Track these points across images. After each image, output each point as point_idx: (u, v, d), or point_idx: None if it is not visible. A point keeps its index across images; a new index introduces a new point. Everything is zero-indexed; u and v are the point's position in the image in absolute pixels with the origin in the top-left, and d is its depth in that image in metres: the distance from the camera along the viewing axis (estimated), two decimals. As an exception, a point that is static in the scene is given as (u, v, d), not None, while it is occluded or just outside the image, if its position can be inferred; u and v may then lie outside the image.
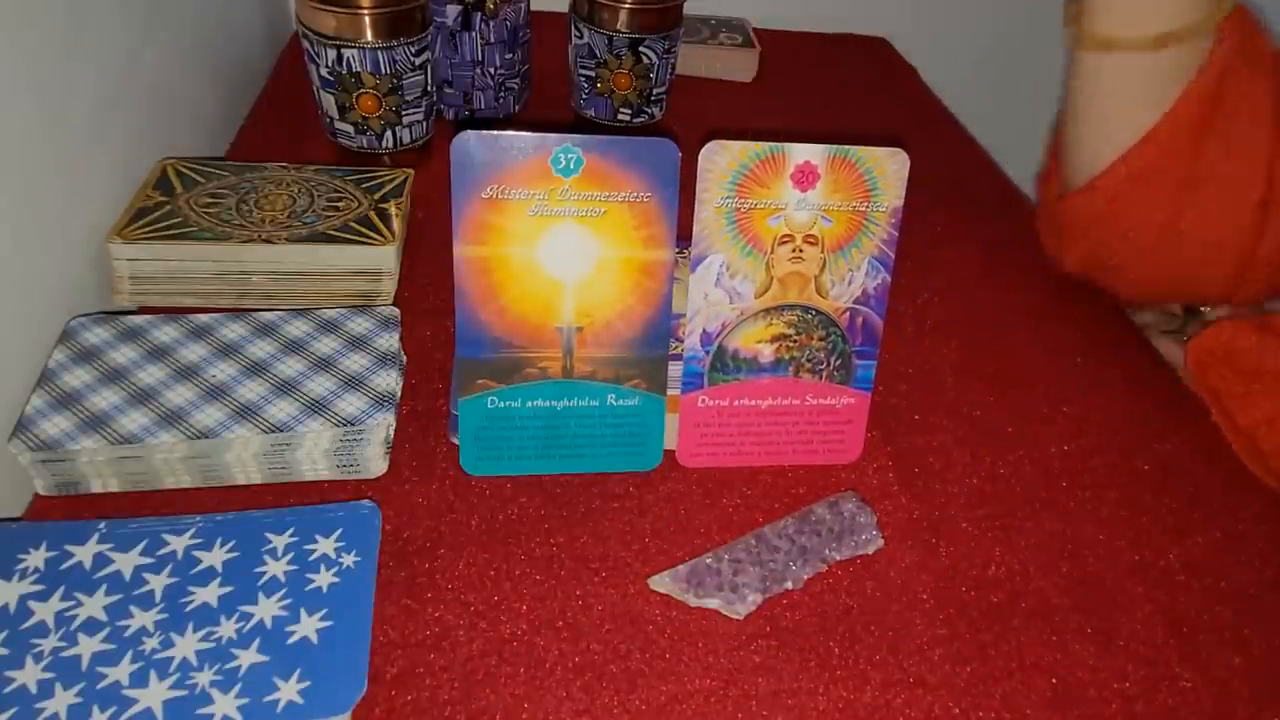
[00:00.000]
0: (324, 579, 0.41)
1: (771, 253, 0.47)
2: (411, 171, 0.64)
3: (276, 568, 0.42)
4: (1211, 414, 0.57)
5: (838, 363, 0.50)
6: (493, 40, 0.74)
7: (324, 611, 0.40)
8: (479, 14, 0.72)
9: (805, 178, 0.45)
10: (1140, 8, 0.55)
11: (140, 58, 0.62)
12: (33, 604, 0.39)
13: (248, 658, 0.38)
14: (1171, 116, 0.55)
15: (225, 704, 0.36)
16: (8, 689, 0.36)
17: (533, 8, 0.77)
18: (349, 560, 0.42)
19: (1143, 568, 0.49)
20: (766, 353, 0.49)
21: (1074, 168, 0.61)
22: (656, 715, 0.40)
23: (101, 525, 0.42)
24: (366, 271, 0.57)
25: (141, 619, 0.39)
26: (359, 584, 0.41)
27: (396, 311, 0.54)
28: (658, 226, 0.46)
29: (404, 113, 0.68)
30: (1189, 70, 0.55)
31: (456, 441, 0.49)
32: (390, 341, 0.52)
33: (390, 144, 0.70)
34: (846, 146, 0.45)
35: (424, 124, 0.71)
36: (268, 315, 0.52)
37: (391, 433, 0.49)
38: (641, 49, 0.75)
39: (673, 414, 0.50)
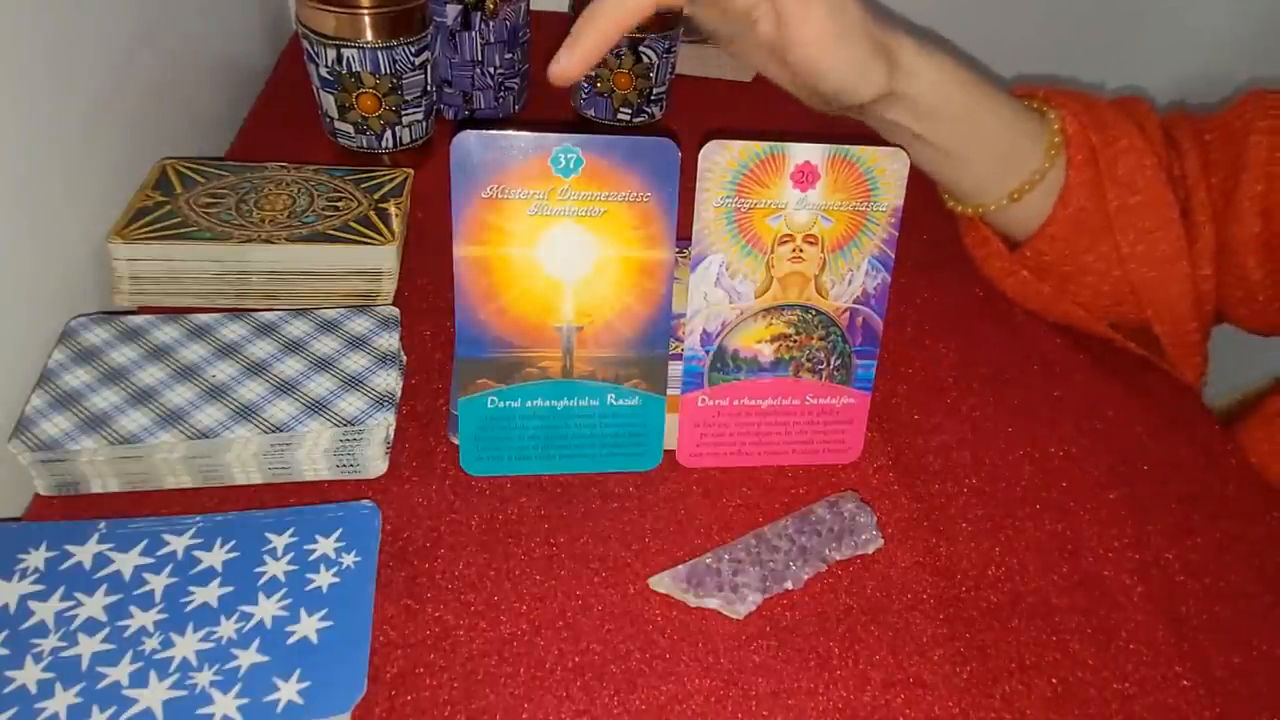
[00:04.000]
0: (324, 579, 0.41)
1: (771, 252, 0.47)
2: (411, 171, 0.64)
3: (276, 568, 0.42)
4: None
5: (838, 363, 0.50)
6: (492, 40, 0.74)
7: (324, 611, 0.40)
8: (479, 14, 0.72)
9: (805, 177, 0.45)
10: (982, 187, 0.60)
11: (139, 57, 0.62)
12: (33, 604, 0.39)
13: (248, 658, 0.38)
14: (1061, 212, 0.58)
15: (225, 704, 0.36)
16: (8, 689, 0.36)
17: (533, 8, 0.77)
18: (349, 560, 0.42)
19: (1143, 568, 0.49)
20: (766, 353, 0.49)
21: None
22: (656, 715, 0.40)
23: (101, 525, 0.42)
24: (366, 271, 0.57)
25: (141, 619, 0.39)
26: (359, 584, 0.41)
27: (396, 311, 0.54)
28: (657, 226, 0.46)
29: (404, 112, 0.68)
30: (1058, 181, 0.58)
31: (456, 441, 0.49)
32: (390, 341, 0.52)
33: (390, 144, 0.69)
34: (846, 146, 0.45)
35: (424, 124, 0.71)
36: (268, 315, 0.52)
37: (391, 433, 0.49)
38: (641, 49, 0.75)
39: (673, 414, 0.50)
